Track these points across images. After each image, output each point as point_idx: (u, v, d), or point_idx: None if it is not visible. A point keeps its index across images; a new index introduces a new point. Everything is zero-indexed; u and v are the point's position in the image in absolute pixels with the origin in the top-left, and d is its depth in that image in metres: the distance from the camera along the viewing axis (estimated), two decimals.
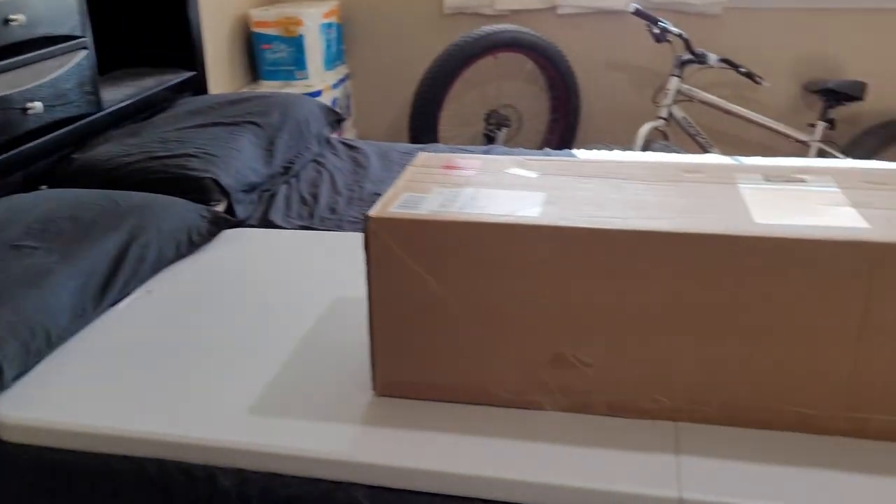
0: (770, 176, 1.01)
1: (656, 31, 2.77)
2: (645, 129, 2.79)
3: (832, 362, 0.86)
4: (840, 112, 3.02)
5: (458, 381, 0.95)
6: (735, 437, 0.89)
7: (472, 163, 1.09)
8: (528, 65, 3.14)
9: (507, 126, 3.11)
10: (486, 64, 3.11)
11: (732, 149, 3.14)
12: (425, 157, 1.12)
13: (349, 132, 3.33)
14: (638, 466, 0.85)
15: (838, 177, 1.00)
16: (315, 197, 1.72)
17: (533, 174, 1.04)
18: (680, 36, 2.78)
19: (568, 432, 0.91)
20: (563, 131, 3.16)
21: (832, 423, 0.88)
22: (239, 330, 1.14)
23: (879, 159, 3.03)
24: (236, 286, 1.28)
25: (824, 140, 2.94)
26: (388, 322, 0.95)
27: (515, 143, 3.25)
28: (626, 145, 2.77)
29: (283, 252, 1.42)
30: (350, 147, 2.05)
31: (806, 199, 0.93)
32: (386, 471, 0.87)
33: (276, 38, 3.01)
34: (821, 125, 2.93)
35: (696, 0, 2.97)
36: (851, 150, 2.95)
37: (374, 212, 0.92)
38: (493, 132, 3.09)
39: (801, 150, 3.02)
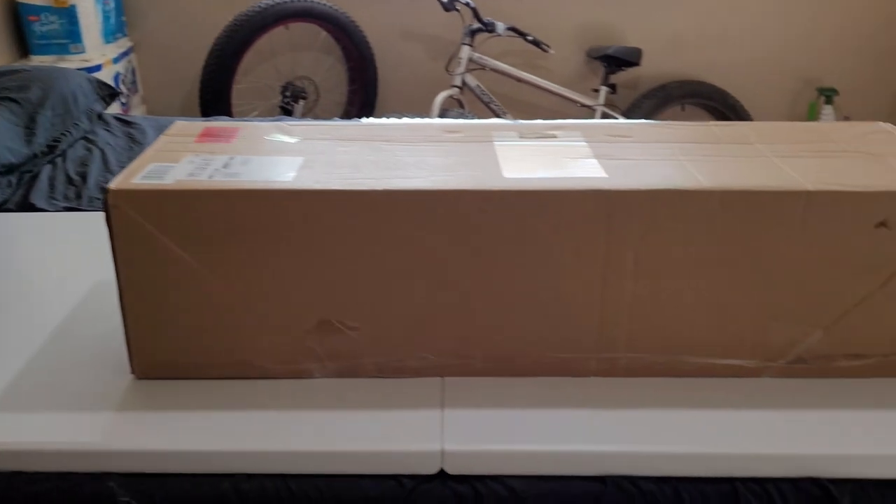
0: (524, 133, 1.04)
1: (444, 0, 2.81)
2: (440, 97, 2.83)
3: (583, 307, 0.90)
4: (620, 77, 3.20)
5: (220, 357, 0.92)
6: (499, 387, 0.92)
7: (232, 130, 1.05)
8: (322, 35, 3.09)
9: (304, 98, 3.05)
10: (278, 35, 3.02)
11: (525, 115, 3.25)
12: (181, 125, 1.06)
13: (137, 109, 3.14)
14: (405, 424, 0.86)
15: (586, 132, 1.04)
16: (83, 176, 1.61)
17: (293, 139, 1.01)
18: (468, 5, 2.83)
19: (337, 398, 0.90)
20: (361, 102, 3.14)
21: (585, 365, 0.93)
22: None
23: (657, 120, 3.25)
24: None
25: (607, 104, 3.11)
26: (140, 300, 0.89)
27: (315, 115, 3.19)
28: (423, 114, 2.80)
29: (43, 236, 1.31)
30: (126, 123, 1.93)
31: (554, 154, 0.96)
32: (141, 456, 0.82)
33: (44, 8, 2.76)
34: (603, 90, 3.10)
35: None
36: (631, 113, 3.14)
37: (114, 184, 0.86)
38: (290, 105, 3.02)
39: (587, 114, 3.18)
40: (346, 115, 3.21)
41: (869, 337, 0.92)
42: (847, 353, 0.93)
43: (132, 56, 3.13)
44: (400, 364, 0.92)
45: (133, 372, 0.93)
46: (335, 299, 0.90)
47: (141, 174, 0.88)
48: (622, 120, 3.04)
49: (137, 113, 3.13)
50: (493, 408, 0.88)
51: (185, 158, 0.94)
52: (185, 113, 3.24)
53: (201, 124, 1.07)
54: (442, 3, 2.81)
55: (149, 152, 0.95)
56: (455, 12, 2.89)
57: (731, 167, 0.91)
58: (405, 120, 1.96)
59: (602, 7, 3.17)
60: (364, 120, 1.96)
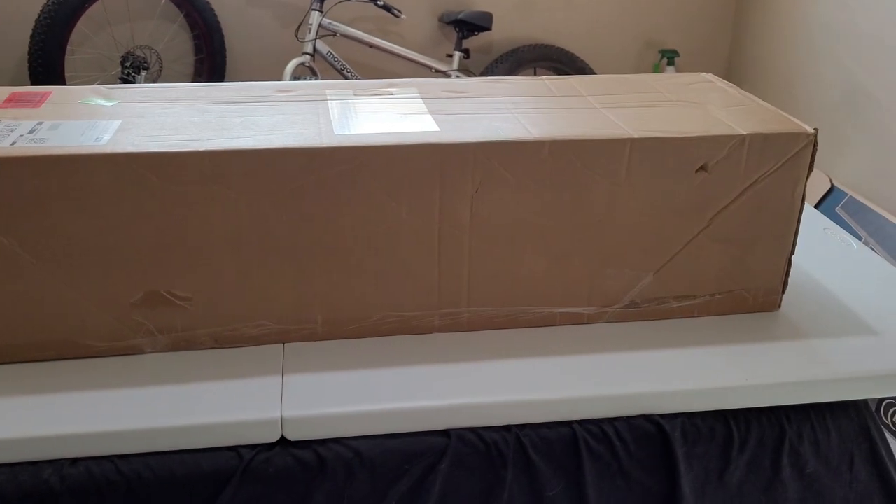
0: (359, 91, 1.02)
1: None
2: (291, 65, 2.76)
3: (421, 264, 0.89)
4: (473, 42, 3.22)
5: (41, 338, 0.85)
6: (342, 350, 0.90)
7: (42, 94, 0.97)
8: (163, 1, 2.94)
9: (146, 69, 2.90)
10: (114, 1, 2.85)
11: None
12: None
13: None
14: (243, 394, 0.83)
15: (423, 89, 1.03)
16: None
17: (110, 103, 0.95)
18: None
19: (171, 372, 0.86)
20: (209, 72, 3.01)
21: (428, 322, 0.92)
22: None
23: None
24: None
25: (461, 69, 3.12)
26: None
27: None
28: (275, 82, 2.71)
29: None
30: None
31: (389, 110, 0.95)
32: None
33: None
34: (457, 55, 3.10)
35: None
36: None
37: None
38: (132, 76, 2.86)
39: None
40: None
41: (695, 278, 0.96)
42: (676, 296, 0.96)
43: None
44: (237, 333, 0.89)
45: None
46: (162, 269, 0.85)
47: None
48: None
49: None
50: (335, 371, 0.86)
51: None
52: (14, 83, 3.01)
53: (7, 89, 0.98)
54: None
55: None
56: None
57: (560, 118, 0.93)
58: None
59: None
60: None
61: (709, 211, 0.93)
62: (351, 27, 2.96)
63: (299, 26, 2.88)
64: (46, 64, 2.58)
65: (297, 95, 0.99)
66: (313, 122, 0.89)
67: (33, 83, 2.62)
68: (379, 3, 2.90)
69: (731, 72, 3.48)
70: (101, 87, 1.00)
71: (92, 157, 0.80)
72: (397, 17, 2.98)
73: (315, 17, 2.82)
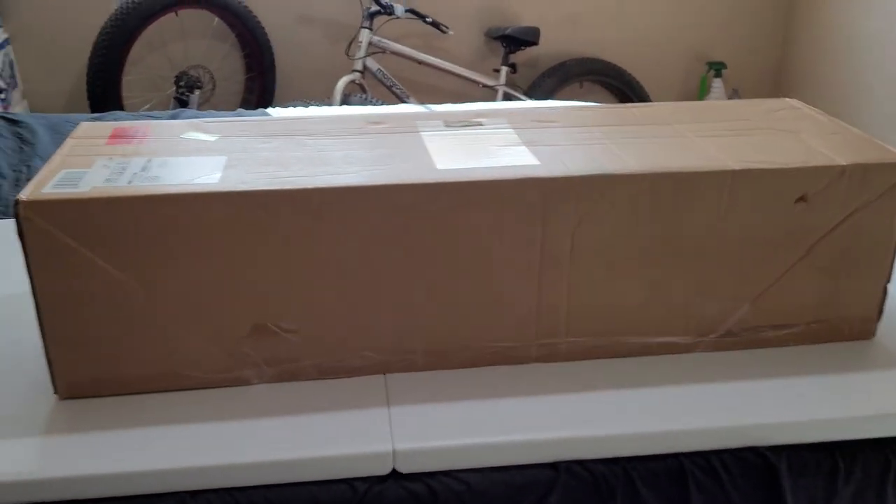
0: (450, 122, 1.03)
1: None
2: (342, 82, 2.79)
3: (521, 295, 0.90)
4: (520, 57, 3.23)
5: (151, 371, 0.87)
6: (442, 381, 0.91)
7: (143, 129, 0.99)
8: (215, 21, 2.99)
9: (199, 88, 2.95)
10: (169, 23, 2.90)
11: (427, 97, 3.24)
12: (87, 126, 1.00)
13: (18, 105, 2.96)
14: (352, 426, 0.84)
15: (512, 118, 1.04)
16: None
17: (212, 137, 0.97)
18: None
19: (278, 404, 0.87)
20: (260, 90, 3.06)
21: (527, 353, 0.93)
22: None
23: (557, 98, 3.30)
24: None
25: (508, 84, 3.13)
26: (61, 317, 0.84)
27: (212, 104, 3.09)
28: (325, 100, 2.75)
29: None
30: (12, 122, 1.81)
31: (483, 142, 0.96)
32: (75, 483, 0.78)
33: None
34: (504, 70, 3.12)
35: None
36: (532, 92, 3.18)
37: (24, 195, 0.80)
38: (186, 95, 2.91)
39: (489, 94, 3.20)
40: (245, 104, 3.12)
41: (792, 307, 0.95)
42: (773, 324, 0.96)
43: (8, 48, 2.94)
44: (341, 364, 0.90)
45: (56, 392, 0.87)
46: (270, 302, 0.87)
47: (52, 182, 0.82)
48: (527, 100, 3.08)
49: (19, 109, 2.94)
50: (438, 402, 0.87)
51: (98, 163, 0.88)
52: (70, 107, 3.07)
53: (109, 125, 1.01)
54: None
55: (57, 158, 0.89)
56: None
57: (656, 149, 0.93)
58: (322, 111, 1.91)
59: None
60: (276, 111, 1.90)
61: (807, 241, 0.92)
62: (399, 44, 2.98)
63: (350, 44, 2.91)
64: (105, 85, 2.64)
65: (389, 128, 1.01)
66: (413, 156, 0.91)
67: (91, 104, 2.67)
68: (427, 19, 2.93)
69: (780, 84, 3.45)
70: (198, 122, 1.03)
71: (207, 195, 0.82)
72: (445, 32, 3.00)
73: (365, 35, 2.85)
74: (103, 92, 2.65)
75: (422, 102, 3.07)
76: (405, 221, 0.85)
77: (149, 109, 3.06)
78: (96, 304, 0.84)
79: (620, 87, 3.29)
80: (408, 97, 2.98)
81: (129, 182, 0.83)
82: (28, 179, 1.52)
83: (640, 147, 0.94)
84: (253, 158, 0.90)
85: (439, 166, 0.88)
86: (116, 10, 2.62)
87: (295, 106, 2.60)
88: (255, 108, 3.05)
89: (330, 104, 2.70)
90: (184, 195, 0.81)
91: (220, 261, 0.84)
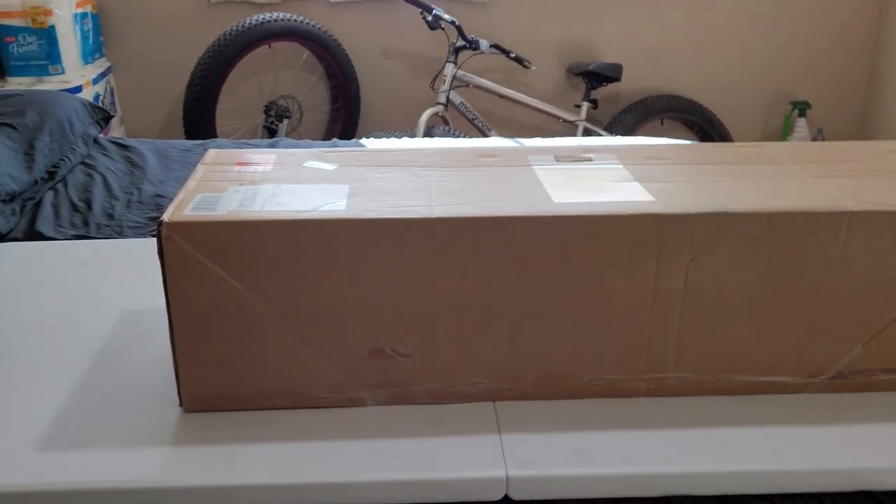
0: (560, 157, 1.05)
1: (429, 18, 2.82)
2: (426, 115, 2.84)
3: (632, 329, 0.91)
4: (601, 92, 3.25)
5: (272, 388, 0.91)
6: (551, 410, 0.92)
7: (266, 157, 1.04)
8: (305, 54, 3.09)
9: (287, 117, 3.04)
10: (261, 54, 3.01)
11: (508, 130, 3.28)
12: (215, 153, 1.06)
13: (116, 130, 3.10)
14: (464, 451, 0.86)
15: (621, 154, 1.06)
16: (88, 203, 1.58)
17: (331, 166, 1.01)
18: (452, 23, 2.85)
19: (392, 425, 0.90)
20: (345, 120, 3.14)
21: (635, 386, 0.94)
22: (15, 358, 1.02)
23: (637, 134, 3.30)
24: (6, 309, 1.14)
25: (589, 119, 3.15)
26: (192, 332, 0.88)
27: (298, 133, 3.18)
28: (409, 132, 2.81)
29: (57, 266, 1.29)
30: (122, 146, 1.90)
31: (595, 177, 0.98)
32: (200, 492, 0.81)
33: (22, 29, 2.72)
34: (585, 105, 3.14)
35: None
36: (613, 128, 3.19)
37: (167, 216, 0.85)
38: (274, 124, 3.01)
39: (569, 129, 3.22)
40: (330, 134, 3.20)
41: None
42: (885, 368, 0.95)
43: (110, 76, 3.09)
44: (453, 390, 0.93)
45: (182, 405, 0.92)
46: (388, 327, 0.90)
47: (191, 205, 0.87)
48: (607, 135, 3.08)
49: (116, 134, 3.08)
50: (548, 431, 0.89)
51: (231, 188, 0.93)
52: (164, 134, 3.20)
53: (234, 153, 1.06)
54: (427, 22, 2.83)
55: (191, 183, 0.95)
56: (439, 30, 2.91)
57: (771, 188, 0.94)
58: (434, 143, 1.96)
59: (582, 24, 3.21)
60: (370, 141, 1.95)
61: None
62: (482, 78, 3.03)
63: (435, 78, 2.97)
64: (200, 114, 2.75)
65: (501, 161, 1.04)
66: (529, 190, 0.93)
67: (186, 131, 2.79)
68: (511, 55, 2.97)
69: (865, 124, 3.39)
70: (317, 151, 1.07)
71: (335, 221, 0.85)
72: (527, 68, 3.04)
73: (450, 69, 2.90)
74: (198, 120, 2.76)
75: (503, 135, 3.10)
76: (522, 252, 0.87)
77: (239, 137, 3.16)
78: (226, 322, 0.88)
79: (701, 124, 3.28)
80: (489, 130, 3.02)
81: (262, 207, 0.88)
82: (139, 202, 1.59)
83: (755, 185, 0.94)
84: (373, 188, 0.94)
85: (556, 199, 0.90)
86: (213, 42, 2.74)
87: (381, 138, 2.67)
88: (340, 136, 3.13)
89: (413, 136, 2.76)
90: (313, 221, 0.85)
91: (344, 284, 0.87)
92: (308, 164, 1.02)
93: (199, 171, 0.99)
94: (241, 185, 0.94)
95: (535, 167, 1.01)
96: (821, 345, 0.94)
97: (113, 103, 3.10)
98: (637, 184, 0.95)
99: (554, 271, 0.88)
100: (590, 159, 1.05)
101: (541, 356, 0.92)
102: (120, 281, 1.22)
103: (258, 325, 0.88)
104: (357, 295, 0.88)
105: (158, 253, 0.85)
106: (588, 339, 0.92)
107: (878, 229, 0.89)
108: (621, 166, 1.02)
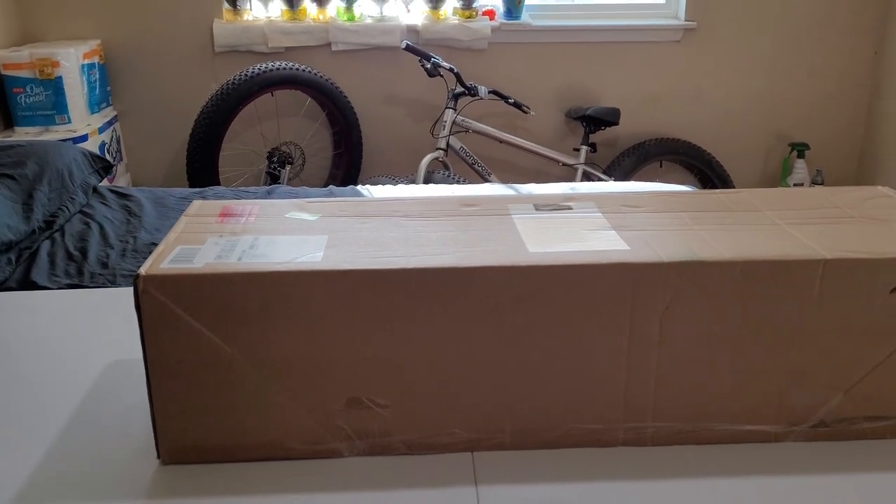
0: (540, 205, 1.06)
1: (428, 66, 2.87)
2: (426, 160, 2.87)
3: (609, 378, 0.91)
4: (599, 136, 3.28)
5: (250, 440, 0.91)
6: (529, 461, 0.92)
7: (250, 208, 1.06)
8: (307, 101, 3.13)
9: (290, 163, 3.08)
10: (264, 101, 3.06)
11: (508, 175, 3.31)
12: (199, 205, 1.07)
13: (122, 177, 3.15)
14: (439, 502, 0.85)
15: (600, 202, 1.07)
16: (83, 252, 1.60)
17: (313, 217, 1.02)
18: (451, 70, 2.89)
19: (369, 477, 0.89)
20: (347, 166, 3.17)
21: (613, 436, 0.94)
22: None
23: (636, 177, 3.32)
24: None
25: (588, 162, 3.17)
26: (169, 385, 0.89)
27: (301, 179, 3.22)
28: (410, 176, 2.83)
29: (48, 316, 1.30)
30: (121, 195, 1.93)
31: (573, 226, 0.99)
32: None
33: (30, 80, 2.78)
34: (584, 149, 3.16)
35: (463, 36, 3.10)
36: (612, 171, 3.21)
37: (144, 269, 0.86)
38: (277, 170, 3.05)
39: (569, 172, 3.24)
40: (332, 179, 3.24)
41: (888, 399, 0.94)
42: (868, 416, 0.94)
43: (117, 125, 3.14)
44: (430, 440, 0.92)
45: (159, 457, 0.92)
46: (365, 377, 0.90)
47: (169, 258, 0.89)
48: (606, 178, 3.10)
49: (122, 181, 3.13)
50: (525, 483, 0.88)
51: (210, 240, 0.94)
52: (169, 180, 3.24)
53: (218, 204, 1.08)
54: (426, 70, 2.87)
55: (172, 235, 0.96)
56: (439, 77, 2.95)
57: (746, 236, 0.94)
58: (412, 189, 1.98)
59: (580, 69, 3.25)
60: (368, 188, 1.97)
61: None
62: (482, 123, 3.07)
63: (435, 124, 3.01)
64: (203, 161, 2.78)
65: (481, 210, 1.04)
66: (505, 239, 0.94)
67: (190, 178, 2.82)
68: (510, 100, 3.01)
69: (864, 165, 3.40)
70: (300, 201, 1.08)
71: (310, 273, 0.86)
72: (526, 113, 3.08)
73: (450, 115, 2.94)
74: (202, 167, 2.80)
75: (503, 180, 3.13)
76: (498, 302, 0.88)
77: (242, 184, 3.20)
78: (203, 374, 0.88)
79: (700, 166, 3.29)
80: (489, 175, 3.05)
81: (239, 259, 0.89)
82: (134, 250, 1.61)
83: (730, 233, 0.95)
84: (353, 238, 0.95)
85: (531, 249, 0.91)
86: (216, 91, 2.78)
87: (382, 183, 2.69)
88: (342, 183, 3.16)
89: (414, 181, 2.78)
90: (288, 273, 0.86)
91: (321, 335, 0.88)
92: (290, 214, 1.04)
93: (182, 222, 1.00)
94: (222, 236, 0.96)
95: (513, 216, 1.02)
96: (801, 392, 0.93)
97: (119, 151, 3.15)
98: (613, 232, 0.96)
99: (530, 321, 0.89)
100: (569, 207, 1.05)
101: (518, 406, 0.92)
102: (109, 330, 1.23)
103: (235, 376, 0.89)
104: (334, 345, 0.88)
105: (136, 306, 0.86)
106: (565, 389, 0.91)
107: (852, 276, 0.89)
108: (599, 214, 1.02)
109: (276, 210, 1.06)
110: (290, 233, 0.97)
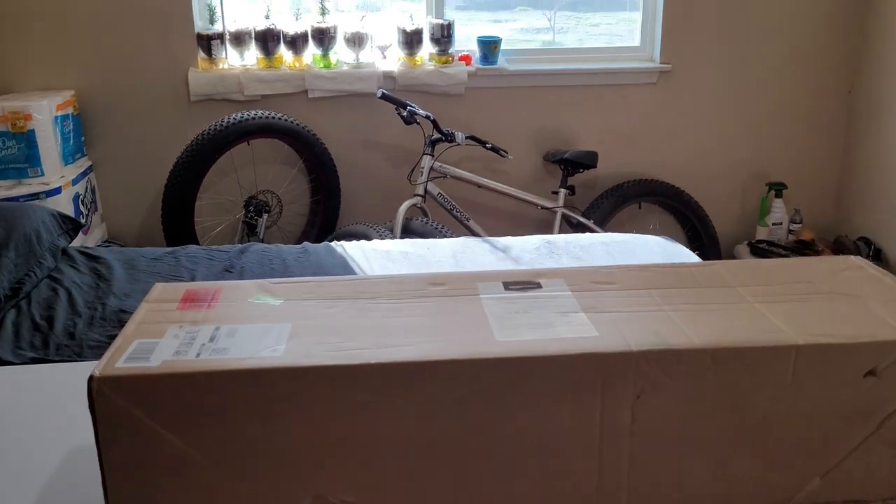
0: (509, 283, 1.04)
1: (405, 114, 2.86)
2: (404, 206, 2.86)
3: (580, 468, 0.89)
4: (578, 179, 3.28)
5: None
6: None
7: (214, 292, 1.03)
8: (285, 148, 3.12)
9: (267, 212, 3.05)
10: (240, 149, 3.04)
11: (487, 219, 3.30)
12: (161, 289, 1.04)
13: (97, 228, 3.11)
14: None
15: (570, 279, 1.05)
16: (50, 321, 1.57)
17: (277, 301, 1.00)
18: (428, 118, 2.89)
19: None
20: (325, 213, 3.15)
21: None
22: None
23: (615, 219, 3.32)
24: None
25: (567, 206, 3.16)
26: (125, 486, 0.85)
27: (278, 227, 3.19)
28: (388, 223, 2.82)
29: (9, 395, 1.26)
30: (90, 257, 1.90)
31: (542, 308, 0.97)
32: None
33: (2, 133, 2.75)
34: (563, 192, 3.16)
35: (439, 82, 3.11)
36: (591, 213, 3.20)
37: (98, 369, 0.83)
38: (254, 219, 3.02)
39: (547, 216, 3.23)
40: (310, 226, 3.21)
41: (866, 482, 0.92)
42: (846, 500, 0.92)
43: (91, 175, 3.11)
44: None
45: None
46: (331, 473, 0.87)
47: (125, 355, 0.86)
48: (585, 221, 3.09)
49: (97, 232, 3.09)
50: None
51: (170, 331, 0.92)
52: (145, 230, 3.21)
53: (182, 287, 1.05)
54: (403, 118, 2.87)
55: (131, 326, 0.93)
56: (416, 124, 2.94)
57: (716, 318, 0.92)
58: (392, 247, 1.95)
59: (557, 112, 3.26)
60: (342, 244, 1.94)
61: (877, 415, 0.90)
62: (459, 168, 3.06)
63: (412, 170, 3.00)
64: (179, 211, 2.75)
65: (449, 290, 1.03)
66: (472, 326, 0.92)
67: (165, 228, 2.79)
68: (487, 145, 3.00)
69: (841, 205, 3.41)
70: (266, 283, 1.06)
71: (271, 370, 0.84)
72: (504, 157, 3.07)
73: (427, 161, 2.93)
74: (177, 217, 2.77)
75: (482, 224, 3.12)
76: (465, 394, 0.86)
77: (219, 234, 3.17)
78: (161, 475, 0.85)
79: (679, 207, 3.30)
80: (468, 220, 3.03)
81: (198, 355, 0.86)
82: (102, 318, 1.58)
83: (701, 315, 0.93)
84: (317, 326, 0.93)
85: (498, 337, 0.89)
86: (191, 142, 2.77)
87: (360, 232, 2.67)
88: (320, 230, 3.14)
89: (392, 228, 2.77)
90: (248, 371, 0.83)
91: (283, 432, 0.85)
92: (254, 299, 1.01)
93: (142, 310, 0.98)
94: (182, 326, 0.93)
95: (482, 296, 1.00)
96: (778, 478, 0.91)
97: (94, 201, 3.12)
98: (583, 315, 0.94)
99: (498, 412, 0.87)
100: (538, 285, 1.04)
101: (488, 497, 0.89)
102: (72, 412, 1.20)
103: (195, 477, 0.86)
104: (297, 442, 0.86)
105: (90, 407, 0.83)
106: (536, 481, 0.89)
107: (826, 362, 0.87)
108: (569, 293, 1.01)
109: (239, 293, 1.03)
110: (253, 321, 0.95)
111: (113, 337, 1.50)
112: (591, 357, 0.86)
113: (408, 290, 1.03)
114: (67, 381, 1.31)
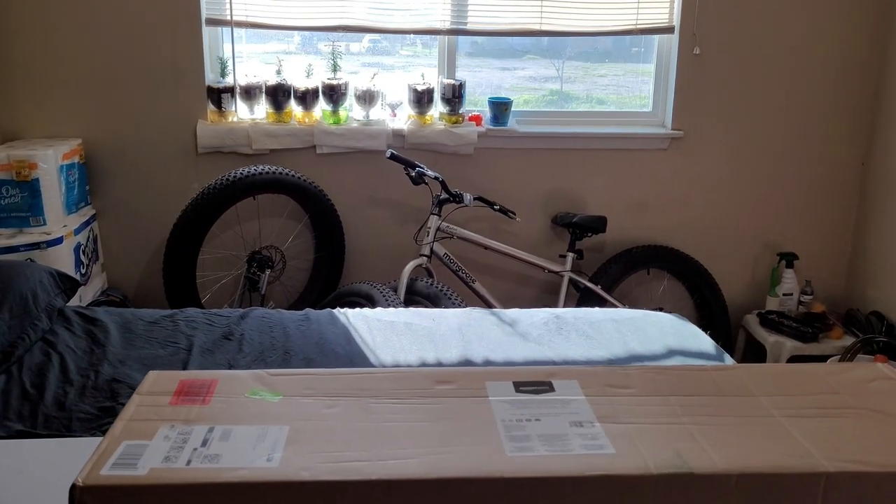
0: (520, 385, 0.99)
1: (413, 174, 2.84)
2: (409, 267, 2.81)
3: None
4: (586, 243, 3.24)
5: None
6: None
7: (209, 385, 0.98)
8: (291, 203, 3.09)
9: (270, 268, 3.01)
10: (246, 203, 3.01)
11: (493, 280, 3.25)
12: (154, 378, 1.00)
13: (97, 277, 3.07)
14: None
15: (583, 380, 1.00)
16: (40, 389, 1.51)
17: (275, 398, 0.95)
18: (436, 178, 2.86)
19: None
20: (328, 269, 3.11)
21: None
22: None
23: (623, 284, 3.27)
24: None
25: (574, 270, 3.12)
26: None
27: (281, 283, 3.15)
28: (392, 282, 2.77)
29: None
30: (87, 319, 1.85)
31: (554, 414, 0.91)
32: None
33: (6, 181, 2.73)
34: (570, 256, 3.12)
35: (449, 141, 3.09)
36: (599, 278, 3.15)
37: (82, 477, 0.78)
38: (257, 275, 2.98)
39: (554, 279, 3.19)
40: (313, 283, 3.17)
41: None
42: None
43: (94, 223, 3.08)
44: None
45: None
46: None
47: (111, 461, 0.81)
48: (592, 286, 3.04)
49: (97, 281, 3.05)
50: None
51: (160, 431, 0.87)
52: (145, 279, 3.17)
53: (176, 377, 1.00)
54: (411, 178, 2.84)
55: (119, 424, 0.88)
56: (424, 185, 2.92)
57: (740, 436, 0.87)
58: (396, 317, 1.91)
59: (567, 175, 3.24)
60: (345, 311, 1.89)
61: None
62: (466, 229, 3.02)
63: (419, 230, 2.96)
64: (181, 264, 2.71)
65: (457, 389, 0.98)
66: (481, 436, 0.87)
67: (166, 281, 2.75)
68: (495, 207, 2.97)
69: (852, 277, 3.36)
70: (265, 375, 1.01)
71: (265, 484, 0.78)
72: (512, 218, 3.04)
73: (434, 221, 2.89)
74: (178, 274, 2.73)
75: (487, 286, 3.07)
76: None
77: (221, 288, 3.13)
78: None
79: (688, 274, 3.25)
80: (473, 281, 2.99)
81: (188, 462, 0.81)
82: (94, 388, 1.53)
83: (723, 431, 0.88)
84: (315, 430, 0.88)
85: (508, 452, 0.84)
86: (196, 196, 2.74)
87: (363, 293, 2.62)
88: (323, 287, 3.09)
89: (396, 287, 2.72)
90: (241, 484, 0.78)
91: None
92: (251, 394, 0.96)
93: (133, 405, 0.93)
94: (174, 426, 0.88)
95: (491, 399, 0.95)
96: None
97: (95, 250, 3.08)
98: (599, 426, 0.89)
99: None
100: (550, 386, 0.99)
101: None
102: (57, 496, 1.14)
103: None
104: None
105: None
106: None
107: (856, 490, 0.82)
108: (583, 398, 0.96)
109: (236, 386, 0.98)
110: (249, 420, 0.90)
111: (104, 409, 1.45)
112: (607, 479, 0.80)
113: (414, 388, 0.98)
114: (53, 459, 1.25)
